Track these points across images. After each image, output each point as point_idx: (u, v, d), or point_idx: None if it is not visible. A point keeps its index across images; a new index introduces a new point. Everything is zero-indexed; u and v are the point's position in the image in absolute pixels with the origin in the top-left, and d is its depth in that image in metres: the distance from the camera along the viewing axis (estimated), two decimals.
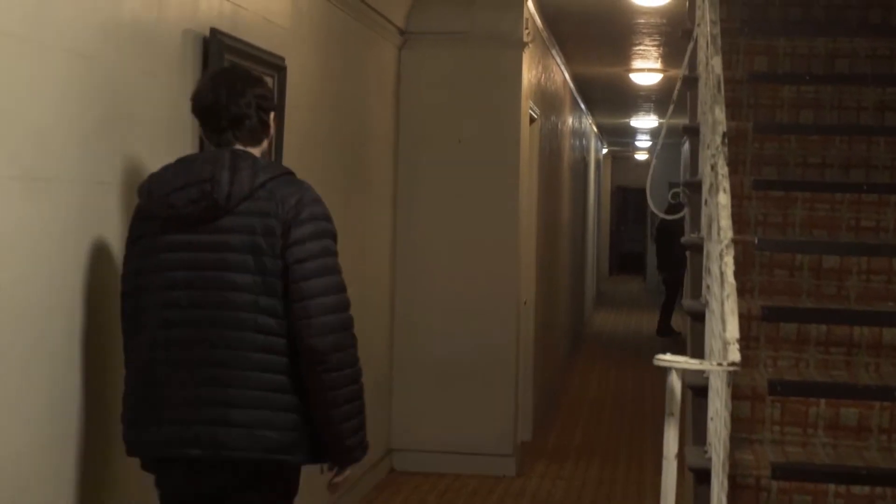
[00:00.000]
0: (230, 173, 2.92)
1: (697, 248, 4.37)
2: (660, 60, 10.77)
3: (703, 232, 4.26)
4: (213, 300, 2.92)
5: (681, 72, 5.07)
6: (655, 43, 9.77)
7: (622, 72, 11.49)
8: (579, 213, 14.63)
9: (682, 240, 4.75)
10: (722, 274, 3.42)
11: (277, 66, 4.66)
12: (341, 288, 3.01)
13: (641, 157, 25.48)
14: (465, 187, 7.28)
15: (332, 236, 3.05)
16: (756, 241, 4.25)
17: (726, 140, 3.76)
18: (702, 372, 3.57)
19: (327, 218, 3.05)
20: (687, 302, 4.31)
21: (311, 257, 2.94)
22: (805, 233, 4.42)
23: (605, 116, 16.94)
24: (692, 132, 4.81)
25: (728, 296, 3.34)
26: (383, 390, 7.09)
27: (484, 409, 7.28)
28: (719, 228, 3.56)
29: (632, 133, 20.14)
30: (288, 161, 4.73)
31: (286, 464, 3.00)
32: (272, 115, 3.15)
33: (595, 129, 18.20)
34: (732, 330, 3.21)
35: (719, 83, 3.95)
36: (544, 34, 8.81)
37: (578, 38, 9.65)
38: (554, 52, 9.79)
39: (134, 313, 3.03)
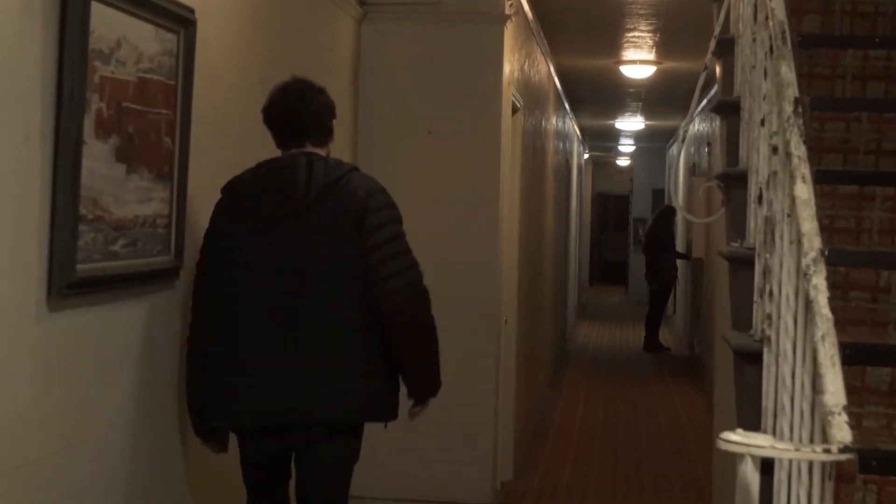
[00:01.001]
0: (307, 174, 3.35)
1: (742, 263, 3.21)
2: (654, 51, 9.64)
3: (754, 240, 3.10)
4: (298, 290, 3.29)
5: (714, 31, 3.87)
6: (651, 28, 8.63)
7: (612, 64, 10.35)
8: (562, 221, 13.49)
9: (719, 252, 3.59)
10: (810, 302, 2.26)
11: (182, 20, 3.48)
12: (414, 264, 3.43)
13: (623, 162, 24.39)
14: (437, 188, 6.12)
15: (399, 221, 3.45)
16: (825, 253, 3.10)
17: (800, 109, 2.60)
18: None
19: (394, 205, 3.45)
20: (730, 335, 3.15)
21: (385, 242, 3.34)
22: (888, 241, 3.28)
23: (588, 118, 15.81)
24: (728, 109, 3.64)
25: (824, 337, 2.18)
26: None
27: (458, 447, 6.11)
28: (798, 234, 2.40)
29: (615, 136, 19.04)
30: (196, 147, 3.60)
31: (355, 423, 3.45)
32: (334, 121, 3.60)
33: (578, 132, 17.07)
34: (837, 392, 2.06)
35: (784, 32, 2.79)
36: (529, 15, 7.66)
37: (565, 21, 8.51)
38: (538, 39, 8.64)
39: (218, 302, 3.36)
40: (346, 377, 3.32)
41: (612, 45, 9.47)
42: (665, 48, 9.48)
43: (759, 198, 3.00)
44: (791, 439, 2.42)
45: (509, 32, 6.37)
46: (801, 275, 2.32)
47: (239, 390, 3.34)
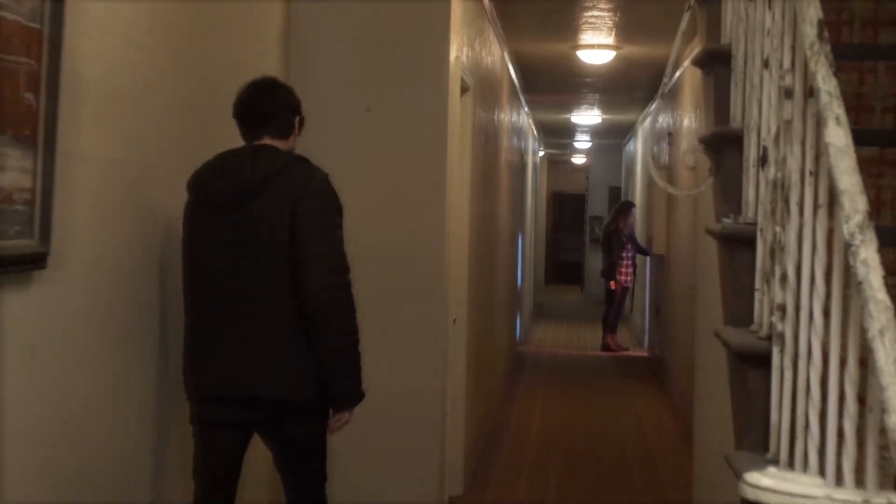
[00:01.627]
0: (251, 163, 3.53)
1: (738, 242, 2.58)
2: (613, 33, 9.02)
3: (754, 213, 2.47)
4: (245, 269, 3.48)
5: None
6: (610, 6, 8.02)
7: (569, 49, 9.73)
8: (518, 219, 12.87)
9: (708, 229, 2.96)
10: (858, 284, 1.63)
11: None
12: (341, 255, 3.51)
13: (579, 161, 23.83)
14: (377, 171, 5.44)
15: (337, 210, 3.54)
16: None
17: (825, 32, 1.96)
18: None
19: (330, 196, 3.54)
20: (727, 332, 2.50)
21: (314, 225, 3.45)
22: None
23: (544, 112, 15.19)
24: (715, 60, 3.00)
25: (883, 332, 1.55)
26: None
27: (400, 458, 5.45)
28: (833, 194, 1.77)
29: (571, 132, 18.46)
30: (76, 109, 2.93)
31: (297, 403, 3.51)
32: (298, 118, 3.75)
33: (534, 128, 16.47)
34: None
35: None
36: None
37: None
38: (490, 19, 8.00)
39: (192, 284, 3.59)
40: (282, 358, 3.46)
41: (569, 26, 8.85)
42: (625, 30, 8.88)
43: (763, 159, 2.36)
44: (823, 471, 1.79)
45: (457, 3, 5.72)
46: (844, 247, 1.68)
47: (198, 369, 3.57)
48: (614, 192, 20.90)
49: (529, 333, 15.56)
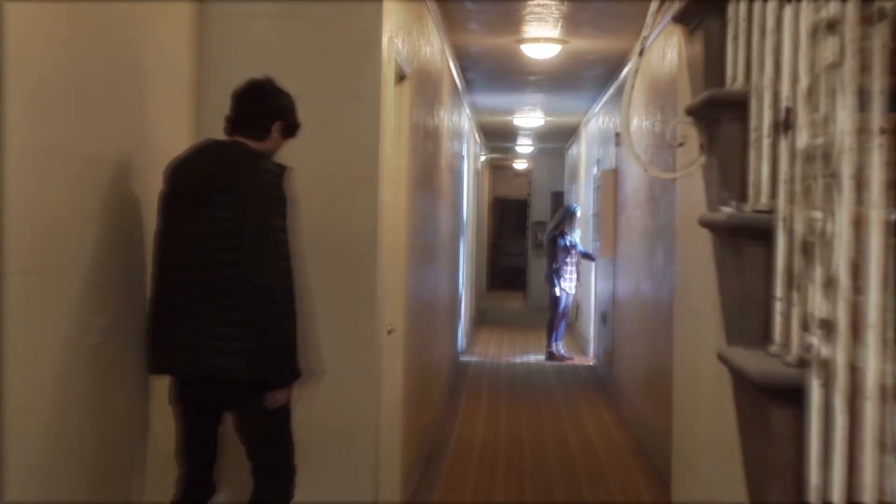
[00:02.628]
0: (213, 160, 3.78)
1: (747, 236, 1.96)
2: (560, 25, 8.42)
3: (769, 195, 1.85)
4: (200, 259, 3.68)
5: None
6: None
7: (513, 43, 9.12)
8: (460, 224, 12.25)
9: (702, 221, 2.32)
10: None
11: None
12: (278, 244, 3.66)
13: (521, 165, 23.27)
14: (301, 163, 4.76)
15: (278, 201, 3.70)
16: None
17: None
18: None
19: (272, 187, 3.71)
20: (738, 356, 1.88)
21: (251, 217, 3.62)
22: None
23: (486, 114, 14.57)
24: (707, 8, 2.37)
25: None
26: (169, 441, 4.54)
27: (330, 477, 4.80)
28: None
29: (513, 135, 17.86)
30: None
31: (245, 382, 3.69)
32: (277, 123, 3.92)
33: (475, 132, 15.87)
34: None
35: None
36: None
37: None
38: (430, 8, 7.37)
39: (159, 272, 3.80)
40: (231, 340, 3.62)
41: (513, 18, 8.23)
42: (572, 22, 8.28)
43: (787, 124, 1.74)
44: None
45: None
46: None
47: (158, 346, 3.81)
48: (557, 197, 20.39)
49: (472, 341, 14.94)
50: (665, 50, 7.47)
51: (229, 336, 3.63)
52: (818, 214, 1.55)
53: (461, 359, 12.87)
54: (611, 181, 10.65)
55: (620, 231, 10.15)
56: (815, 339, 1.53)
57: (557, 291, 12.80)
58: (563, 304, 12.88)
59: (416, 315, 6.62)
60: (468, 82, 11.58)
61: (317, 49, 4.82)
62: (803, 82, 1.67)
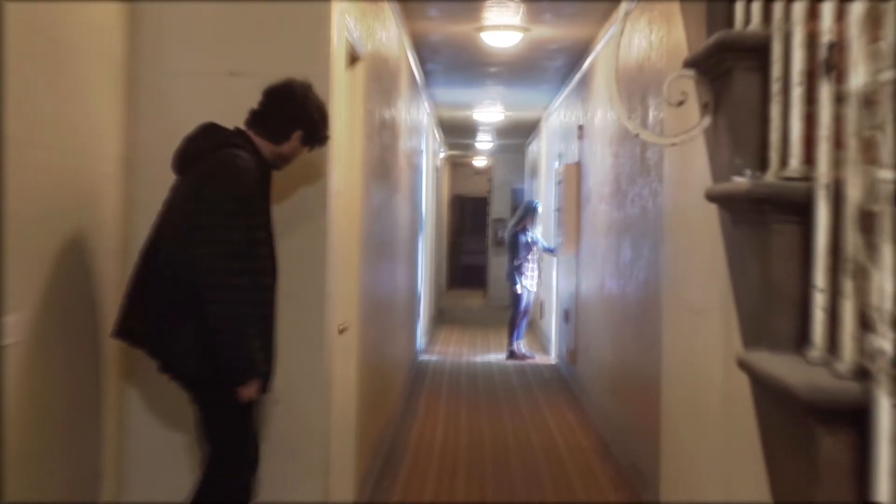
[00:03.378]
0: (191, 141, 3.73)
1: (776, 209, 1.55)
2: (521, 11, 8.02)
3: (801, 158, 1.44)
4: (152, 235, 3.69)
5: None
6: None
7: (472, 31, 8.70)
8: (418, 219, 11.81)
9: (710, 194, 1.90)
10: None
11: None
12: (229, 241, 3.49)
13: (480, 163, 22.86)
14: None
15: (237, 199, 3.56)
16: None
17: None
18: None
19: (236, 177, 3.58)
20: (767, 363, 1.47)
21: (207, 203, 3.51)
22: None
23: (446, 109, 14.14)
24: None
25: None
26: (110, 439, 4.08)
27: (279, 485, 4.36)
28: None
29: (473, 131, 17.45)
30: None
31: (194, 378, 3.64)
32: (296, 133, 3.82)
33: (435, 129, 15.43)
34: None
35: None
36: None
37: None
38: None
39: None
40: (182, 333, 3.53)
41: (473, 3, 7.82)
42: (534, 8, 7.88)
43: (829, 64, 1.33)
44: None
45: None
46: None
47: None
48: (517, 194, 20.02)
49: (431, 340, 14.51)
50: (631, 36, 7.08)
51: (181, 328, 3.54)
52: (887, 174, 1.14)
53: (420, 358, 12.44)
54: (573, 175, 10.26)
55: (584, 226, 9.77)
56: (884, 343, 1.12)
57: (519, 289, 12.41)
58: (524, 302, 12.50)
59: (371, 313, 6.18)
60: (427, 74, 11.16)
61: (259, 23, 4.38)
62: (858, 6, 1.26)
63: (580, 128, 9.98)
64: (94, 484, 4.07)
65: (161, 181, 4.35)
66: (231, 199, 3.56)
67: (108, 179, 4.16)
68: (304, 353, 4.38)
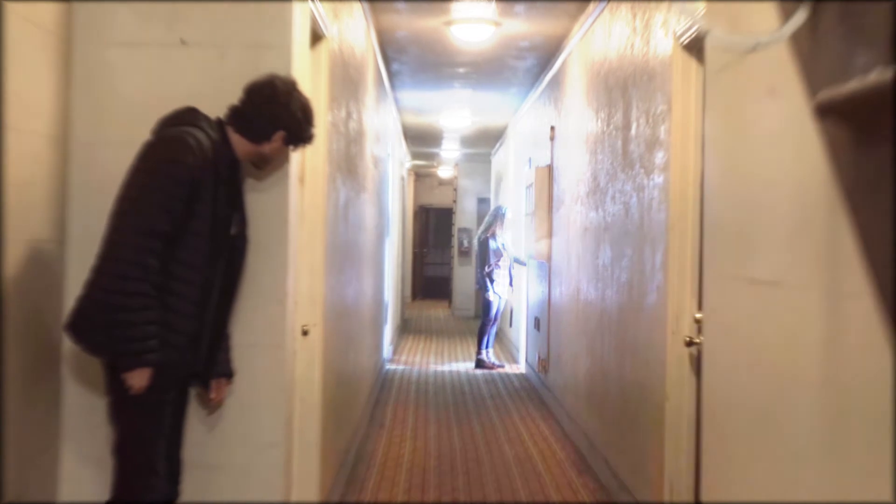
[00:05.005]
0: (159, 121, 3.48)
1: None
2: (493, 3, 7.52)
3: None
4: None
5: None
6: None
7: (442, 25, 8.20)
8: (384, 223, 11.27)
9: (839, 94, 1.38)
10: None
11: None
12: (148, 213, 3.23)
13: (445, 173, 22.35)
14: None
15: (172, 173, 3.27)
16: None
17: None
18: None
19: (177, 154, 3.30)
20: None
21: (138, 176, 3.29)
22: None
23: (411, 113, 13.62)
24: None
25: None
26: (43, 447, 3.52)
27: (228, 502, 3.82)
28: None
29: (438, 139, 16.93)
30: None
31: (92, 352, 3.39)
32: (278, 133, 3.58)
33: (400, 136, 14.91)
34: None
35: None
36: None
37: None
38: None
39: None
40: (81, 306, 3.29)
41: None
42: (506, 1, 7.39)
43: None
44: None
45: None
46: None
47: None
48: (483, 204, 19.55)
49: (397, 350, 13.96)
50: (611, 28, 6.60)
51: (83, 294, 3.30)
52: None
53: (387, 368, 11.88)
54: (545, 179, 9.77)
55: (556, 230, 9.27)
56: None
57: (490, 296, 11.93)
58: (495, 309, 12.01)
59: (336, 314, 5.64)
60: (393, 76, 10.64)
61: None
62: None
63: (552, 129, 9.49)
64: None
65: (99, 163, 3.81)
66: (164, 175, 3.29)
67: (37, 159, 3.61)
68: (262, 355, 3.84)
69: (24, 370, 3.51)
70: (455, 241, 20.53)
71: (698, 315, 4.66)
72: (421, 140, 17.03)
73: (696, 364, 4.72)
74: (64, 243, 3.79)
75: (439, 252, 24.92)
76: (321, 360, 4.82)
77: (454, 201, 20.66)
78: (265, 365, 3.85)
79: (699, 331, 4.64)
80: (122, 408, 3.41)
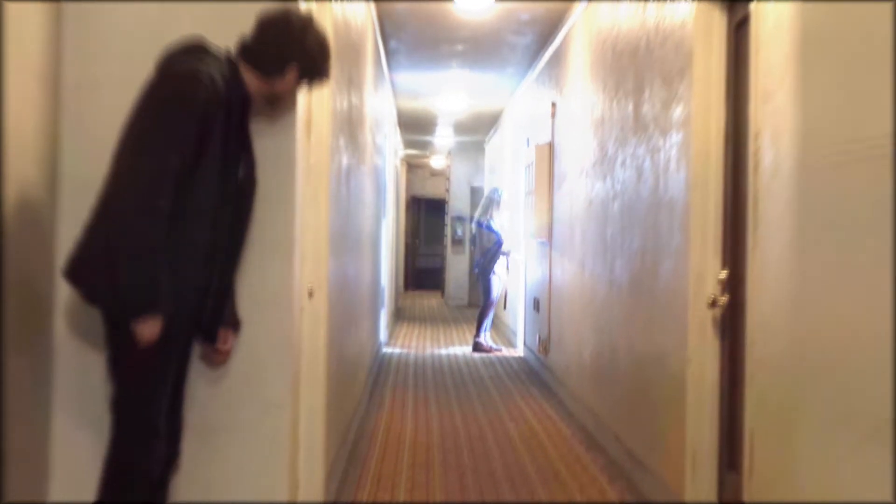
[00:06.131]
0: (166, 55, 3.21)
1: None
2: None
3: None
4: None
5: None
6: None
7: None
8: (381, 202, 11.01)
9: None
10: None
11: None
12: (158, 150, 2.98)
13: (438, 163, 22.10)
14: None
15: (177, 113, 3.03)
16: None
17: None
18: None
19: (180, 96, 3.05)
20: None
21: (145, 112, 3.06)
22: None
23: (406, 96, 13.34)
24: None
25: None
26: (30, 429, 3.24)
27: (236, 471, 3.55)
28: None
29: (432, 125, 16.66)
30: None
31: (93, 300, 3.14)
32: (292, 68, 3.31)
33: (396, 125, 14.63)
34: None
35: None
36: None
37: None
38: None
39: None
40: (81, 250, 3.11)
41: None
42: None
43: None
44: None
45: None
46: None
47: None
48: (476, 192, 19.31)
49: (393, 335, 13.70)
50: None
51: (83, 237, 3.11)
52: None
53: (383, 350, 11.62)
54: (545, 156, 9.51)
55: (558, 207, 9.01)
56: None
57: (493, 279, 11.75)
58: (496, 292, 11.81)
59: (339, 280, 5.36)
60: (391, 55, 10.36)
61: None
62: None
63: (553, 105, 9.23)
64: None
65: (93, 105, 3.54)
66: (175, 112, 3.04)
67: (26, 100, 3.33)
68: (268, 311, 3.57)
69: (10, 325, 3.23)
70: (448, 230, 20.29)
71: (722, 275, 4.40)
72: (415, 127, 16.76)
73: (720, 326, 4.46)
74: (55, 189, 3.51)
75: (432, 242, 24.66)
76: (326, 324, 4.55)
77: (447, 190, 20.43)
78: (271, 321, 3.58)
79: (722, 291, 4.38)
80: (123, 362, 3.14)
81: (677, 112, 4.88)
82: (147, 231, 2.96)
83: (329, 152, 4.65)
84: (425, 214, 24.85)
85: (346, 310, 6.01)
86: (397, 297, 17.77)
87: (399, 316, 16.67)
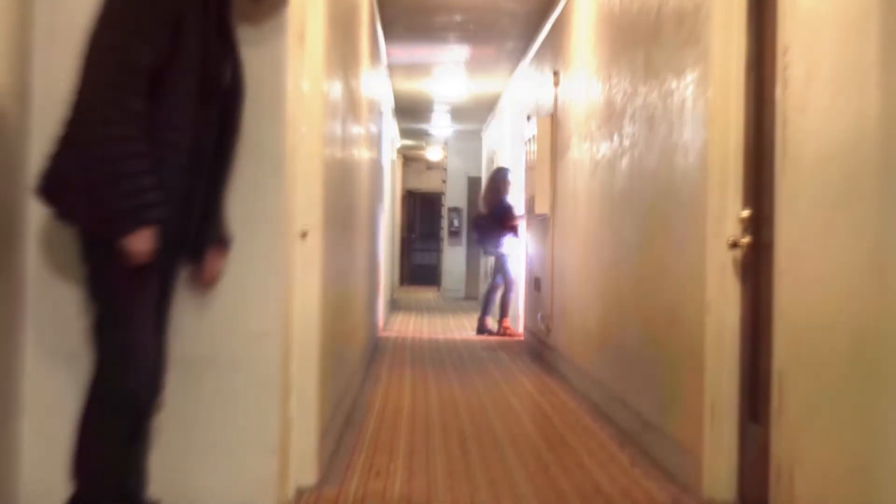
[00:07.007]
0: None
1: None
2: None
3: None
4: None
5: None
6: None
7: None
8: (379, 190, 10.75)
9: None
10: None
11: None
12: (113, 59, 2.74)
13: (435, 156, 21.83)
14: None
15: (121, 26, 2.77)
16: None
17: None
18: None
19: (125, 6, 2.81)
20: None
21: (100, 18, 2.81)
22: None
23: (402, 77, 13.05)
24: None
25: None
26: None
27: (222, 414, 3.28)
28: None
29: (429, 111, 16.39)
30: None
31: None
32: None
33: (392, 113, 14.35)
34: None
35: None
36: None
37: None
38: None
39: None
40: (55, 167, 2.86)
41: None
42: None
43: None
44: None
45: None
46: None
47: None
48: (473, 183, 19.03)
49: (389, 323, 13.43)
50: None
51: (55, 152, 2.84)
52: None
53: (380, 335, 11.35)
54: (547, 128, 9.24)
55: (560, 177, 8.74)
56: None
57: (506, 259, 11.50)
58: (513, 273, 11.51)
59: (334, 223, 5.06)
60: (386, 26, 10.08)
61: None
62: None
63: (555, 74, 8.96)
64: None
65: (66, 5, 3.27)
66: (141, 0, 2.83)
67: None
68: (254, 232, 3.29)
69: None
70: (445, 222, 20.03)
71: (744, 214, 4.13)
72: (411, 114, 16.49)
73: (742, 268, 4.19)
74: (25, 97, 3.23)
75: (428, 237, 24.37)
76: (320, 268, 4.25)
77: (444, 181, 20.18)
78: (257, 243, 3.31)
79: (744, 231, 4.11)
80: (104, 281, 2.87)
81: (693, 48, 4.61)
82: (121, 133, 2.71)
83: (323, 68, 4.33)
84: (421, 208, 24.57)
85: (344, 248, 5.70)
86: (393, 289, 17.51)
87: (394, 307, 16.41)
